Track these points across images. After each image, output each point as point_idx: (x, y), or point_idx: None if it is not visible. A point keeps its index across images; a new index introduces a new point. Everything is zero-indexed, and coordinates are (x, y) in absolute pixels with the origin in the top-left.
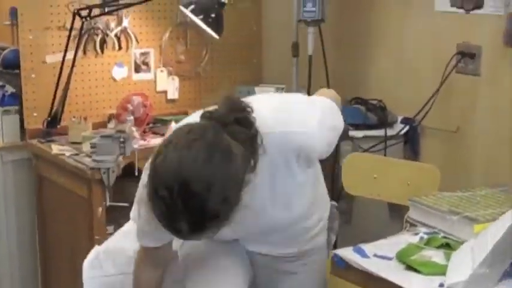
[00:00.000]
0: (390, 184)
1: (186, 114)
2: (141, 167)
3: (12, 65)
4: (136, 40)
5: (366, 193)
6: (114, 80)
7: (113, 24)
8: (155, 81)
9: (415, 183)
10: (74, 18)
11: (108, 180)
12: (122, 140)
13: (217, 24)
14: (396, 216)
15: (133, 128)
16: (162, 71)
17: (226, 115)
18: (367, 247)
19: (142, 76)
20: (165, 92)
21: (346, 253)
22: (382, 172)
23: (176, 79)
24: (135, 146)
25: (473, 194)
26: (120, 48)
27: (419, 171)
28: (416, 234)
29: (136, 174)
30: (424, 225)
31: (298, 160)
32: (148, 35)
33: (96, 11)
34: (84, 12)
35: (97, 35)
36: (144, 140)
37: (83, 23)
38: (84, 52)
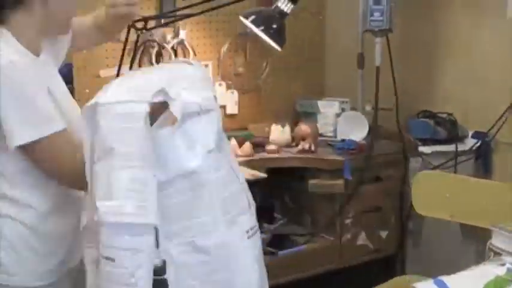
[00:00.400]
0: (464, 204)
1: (246, 129)
2: None
3: (66, 80)
4: (194, 52)
5: (437, 213)
6: None
7: (169, 36)
8: None
9: (493, 203)
10: (129, 31)
11: None
12: None
13: (279, 35)
14: (470, 238)
15: None
16: (220, 84)
17: None
18: (449, 280)
19: None
20: (224, 107)
21: (427, 287)
22: (455, 191)
23: (235, 93)
24: None
25: None
26: None
27: (497, 190)
28: (503, 264)
29: None
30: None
31: None
32: (206, 47)
33: (152, 23)
34: (139, 24)
35: (153, 47)
36: None
37: (138, 35)
38: (140, 65)
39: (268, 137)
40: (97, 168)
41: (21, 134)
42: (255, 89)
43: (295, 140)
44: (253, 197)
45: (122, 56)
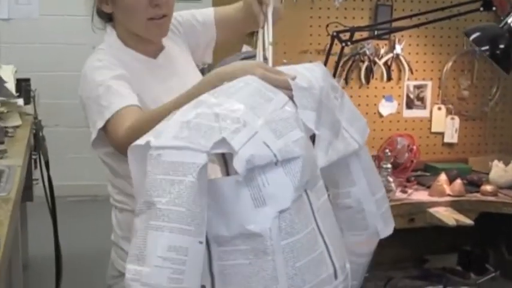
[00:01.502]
0: None
1: (465, 161)
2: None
3: None
4: (411, 70)
5: None
6: (381, 115)
7: (382, 51)
8: (430, 120)
9: None
10: (332, 42)
11: None
12: None
13: (507, 58)
14: None
15: (390, 179)
16: (439, 108)
17: None
18: None
19: (415, 113)
20: (442, 134)
21: None
22: None
23: (456, 119)
24: None
25: None
26: (390, 78)
27: None
28: None
29: None
30: None
31: None
32: (426, 64)
33: (361, 35)
34: (344, 36)
35: (363, 61)
36: (405, 192)
37: (343, 47)
38: (346, 81)
39: (488, 173)
40: (137, 222)
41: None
42: (480, 116)
43: None
44: (463, 241)
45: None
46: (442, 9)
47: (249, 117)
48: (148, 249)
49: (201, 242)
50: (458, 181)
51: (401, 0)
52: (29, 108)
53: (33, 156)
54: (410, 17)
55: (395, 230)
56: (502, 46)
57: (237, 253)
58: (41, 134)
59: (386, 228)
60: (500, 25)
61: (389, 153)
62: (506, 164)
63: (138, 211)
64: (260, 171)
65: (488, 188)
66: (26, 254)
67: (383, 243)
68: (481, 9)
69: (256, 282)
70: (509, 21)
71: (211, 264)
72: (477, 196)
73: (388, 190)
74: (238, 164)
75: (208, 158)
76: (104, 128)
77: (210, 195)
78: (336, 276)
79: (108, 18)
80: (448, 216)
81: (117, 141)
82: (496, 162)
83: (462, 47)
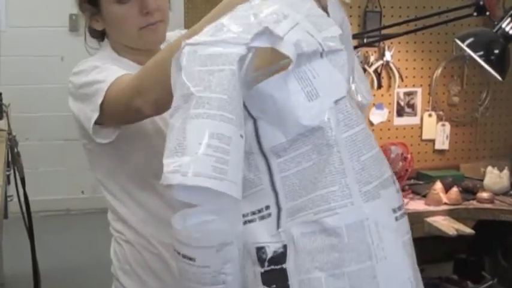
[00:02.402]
0: None
1: (457, 168)
2: None
3: None
4: (401, 77)
5: None
6: (372, 124)
7: (372, 58)
8: (421, 128)
9: None
10: None
11: None
12: None
13: (501, 63)
14: None
15: None
16: (430, 115)
17: None
18: None
19: (405, 121)
20: (433, 141)
21: None
22: None
23: (447, 125)
24: None
25: None
26: (380, 86)
27: None
28: None
29: None
30: None
31: None
32: (416, 71)
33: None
34: None
35: None
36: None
37: None
38: None
39: (481, 180)
40: (172, 121)
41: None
42: (471, 122)
43: None
44: (458, 249)
45: None
46: (433, 15)
47: (288, 11)
48: (189, 139)
49: (242, 136)
50: (455, 189)
51: (390, 7)
52: (2, 124)
53: (7, 172)
54: (400, 24)
55: None
56: (496, 51)
57: (299, 157)
58: (16, 150)
59: None
60: (494, 30)
61: None
62: (500, 170)
63: (174, 109)
64: (307, 63)
65: (484, 195)
66: (2, 272)
67: None
68: (475, 14)
69: (324, 179)
70: (503, 25)
71: (273, 180)
72: (474, 204)
73: None
74: (286, 48)
75: (247, 50)
76: (103, 105)
77: (259, 104)
78: (394, 181)
79: (101, 36)
80: (447, 225)
81: (123, 96)
82: (490, 168)
83: (451, 52)
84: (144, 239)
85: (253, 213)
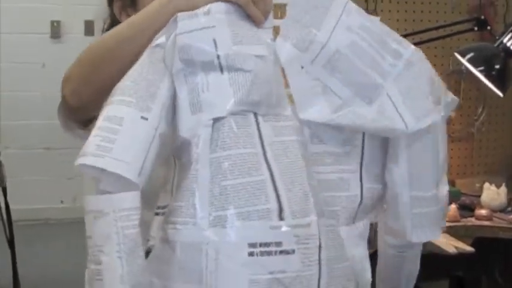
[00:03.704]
0: None
1: (452, 183)
2: None
3: None
4: None
5: None
6: None
7: None
8: None
9: None
10: None
11: None
12: None
13: (502, 78)
14: None
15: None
16: None
17: None
18: None
19: None
20: None
21: None
22: None
23: None
24: None
25: None
26: None
27: None
28: None
29: None
30: None
31: None
32: None
33: None
34: None
35: None
36: None
37: None
38: None
39: (477, 196)
40: None
41: None
42: (466, 137)
43: (511, 204)
44: (454, 266)
45: None
46: (431, 29)
47: (219, 16)
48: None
49: (144, 118)
50: (453, 206)
51: (387, 19)
52: None
53: None
54: None
55: None
56: (497, 66)
57: (181, 166)
58: None
59: (414, 235)
60: (496, 44)
61: None
62: (498, 186)
63: None
64: (203, 74)
65: (483, 212)
66: None
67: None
68: (475, 28)
69: (179, 193)
70: (504, 40)
71: (173, 182)
72: (472, 221)
73: None
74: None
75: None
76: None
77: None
78: (281, 217)
79: None
80: (446, 243)
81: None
82: (487, 185)
83: (448, 66)
84: None
85: (159, 207)
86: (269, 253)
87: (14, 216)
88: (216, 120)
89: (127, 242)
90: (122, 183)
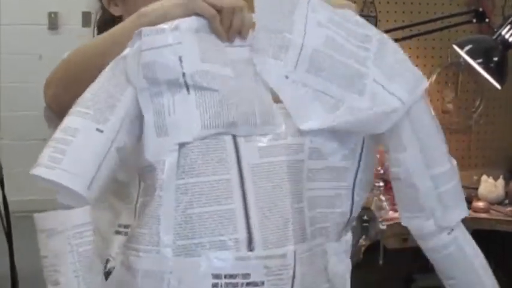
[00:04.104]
0: None
1: None
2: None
3: None
4: None
5: None
6: None
7: None
8: None
9: None
10: None
11: None
12: (364, 218)
13: (500, 71)
14: None
15: (383, 198)
16: None
17: None
18: None
19: None
20: None
21: None
22: None
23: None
24: (382, 226)
25: None
26: None
27: None
28: None
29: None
30: None
31: None
32: None
33: None
34: None
35: None
36: (396, 210)
37: None
38: None
39: (475, 188)
40: None
41: None
42: (464, 129)
43: (508, 196)
44: None
45: None
46: (430, 21)
47: (188, 34)
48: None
49: (99, 130)
50: None
51: (386, 11)
52: None
53: None
54: (396, 29)
55: (386, 250)
56: (495, 59)
57: (144, 190)
58: None
59: (447, 215)
60: (494, 37)
61: (381, 171)
62: (495, 178)
63: None
64: (169, 95)
65: (480, 204)
66: None
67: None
68: (474, 20)
69: (142, 219)
70: (503, 33)
71: (137, 201)
72: (469, 213)
73: (381, 209)
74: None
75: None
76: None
77: None
78: (250, 248)
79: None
80: None
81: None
82: (485, 177)
83: (446, 59)
84: None
85: (120, 225)
86: (235, 285)
87: (11, 208)
88: (182, 145)
89: (82, 259)
90: (73, 197)
